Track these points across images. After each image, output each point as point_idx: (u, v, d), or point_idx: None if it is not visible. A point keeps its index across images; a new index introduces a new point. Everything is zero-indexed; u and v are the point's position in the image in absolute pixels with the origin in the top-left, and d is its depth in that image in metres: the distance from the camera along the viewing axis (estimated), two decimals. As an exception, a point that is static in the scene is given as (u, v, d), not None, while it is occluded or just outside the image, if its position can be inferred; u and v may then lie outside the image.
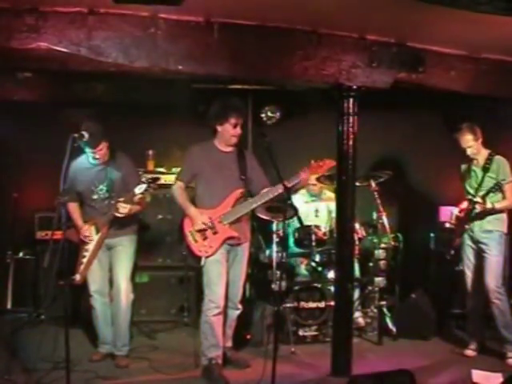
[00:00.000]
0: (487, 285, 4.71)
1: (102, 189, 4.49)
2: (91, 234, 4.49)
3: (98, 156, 4.42)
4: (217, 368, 4.32)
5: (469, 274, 4.88)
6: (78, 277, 4.41)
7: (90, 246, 4.49)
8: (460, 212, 4.95)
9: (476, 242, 4.81)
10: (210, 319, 4.33)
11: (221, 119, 4.40)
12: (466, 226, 4.83)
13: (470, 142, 4.75)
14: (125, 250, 4.59)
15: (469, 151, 4.78)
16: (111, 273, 4.60)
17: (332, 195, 5.73)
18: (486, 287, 4.72)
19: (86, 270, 4.47)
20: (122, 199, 4.34)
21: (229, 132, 4.42)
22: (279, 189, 4.23)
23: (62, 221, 3.80)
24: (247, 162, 4.56)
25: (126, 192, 4.38)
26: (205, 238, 4.35)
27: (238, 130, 4.43)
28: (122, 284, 4.54)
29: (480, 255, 4.80)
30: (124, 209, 4.32)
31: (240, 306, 4.61)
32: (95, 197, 4.51)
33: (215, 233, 4.35)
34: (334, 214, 5.36)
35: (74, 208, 4.56)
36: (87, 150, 4.39)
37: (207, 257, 4.34)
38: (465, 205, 4.91)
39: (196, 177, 4.48)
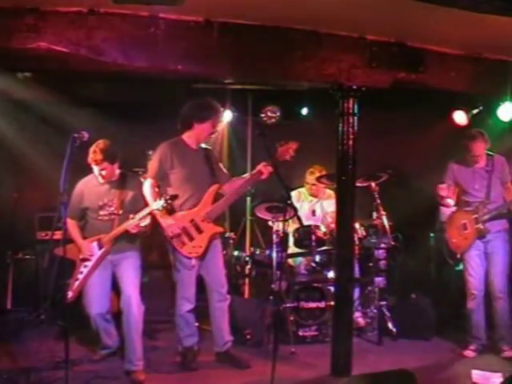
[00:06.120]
0: (494, 283, 4.73)
1: (111, 205, 4.39)
2: (93, 250, 4.37)
3: (103, 174, 4.36)
4: (192, 355, 4.54)
5: (474, 275, 4.80)
6: (70, 294, 4.25)
7: (90, 262, 4.36)
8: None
9: (484, 242, 4.79)
10: (185, 315, 4.45)
11: (202, 118, 4.45)
12: (481, 227, 4.74)
13: (483, 150, 4.76)
14: (131, 262, 4.44)
15: (479, 158, 4.78)
16: (119, 286, 4.44)
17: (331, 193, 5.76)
18: (492, 285, 4.74)
19: (80, 286, 4.33)
20: (136, 214, 4.25)
21: (208, 131, 4.50)
22: (247, 177, 4.51)
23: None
24: (212, 158, 4.62)
25: (134, 212, 4.30)
26: (191, 239, 4.37)
27: (217, 129, 4.52)
28: (132, 296, 4.32)
29: (486, 255, 4.79)
30: (138, 223, 4.24)
31: (228, 296, 4.62)
32: (102, 212, 4.40)
33: (201, 232, 4.37)
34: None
35: (72, 225, 4.43)
36: (94, 168, 4.35)
37: (197, 257, 4.37)
38: (453, 208, 4.94)
39: (167, 175, 4.43)
